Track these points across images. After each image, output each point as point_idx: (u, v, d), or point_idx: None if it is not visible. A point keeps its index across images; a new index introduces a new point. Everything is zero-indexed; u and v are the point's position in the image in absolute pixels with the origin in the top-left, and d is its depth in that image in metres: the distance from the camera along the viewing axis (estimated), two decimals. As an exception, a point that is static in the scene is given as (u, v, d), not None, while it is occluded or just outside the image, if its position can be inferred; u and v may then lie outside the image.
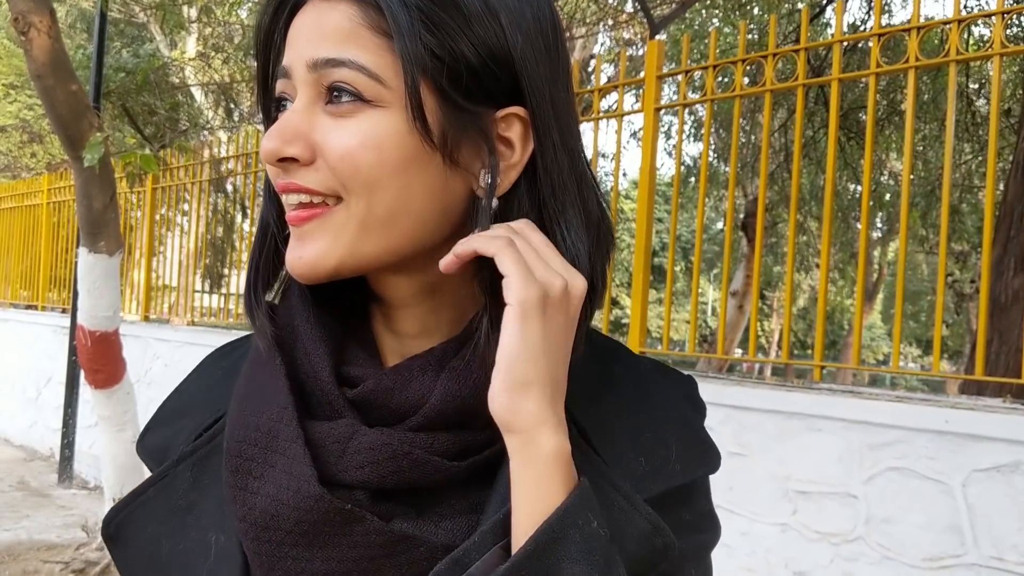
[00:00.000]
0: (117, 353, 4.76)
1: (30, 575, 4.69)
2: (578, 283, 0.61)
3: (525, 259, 0.59)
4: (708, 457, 0.71)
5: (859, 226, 11.80)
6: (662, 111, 3.90)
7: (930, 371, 3.15)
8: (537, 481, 0.58)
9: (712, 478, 0.74)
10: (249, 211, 6.56)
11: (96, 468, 7.22)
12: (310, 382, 0.66)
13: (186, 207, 7.35)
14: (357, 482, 0.62)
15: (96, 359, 4.64)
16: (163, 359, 6.84)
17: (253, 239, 0.72)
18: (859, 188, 9.36)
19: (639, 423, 0.69)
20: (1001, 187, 4.54)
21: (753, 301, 3.69)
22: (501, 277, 0.59)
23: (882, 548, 2.96)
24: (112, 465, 4.88)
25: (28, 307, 9.38)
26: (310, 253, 0.63)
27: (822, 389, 3.24)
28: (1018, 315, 2.82)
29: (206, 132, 8.60)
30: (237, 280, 7.18)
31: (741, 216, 10.04)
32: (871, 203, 10.47)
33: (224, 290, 7.47)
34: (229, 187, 7.26)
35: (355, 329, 0.70)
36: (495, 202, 0.64)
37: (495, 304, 0.61)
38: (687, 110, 4.21)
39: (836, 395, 3.16)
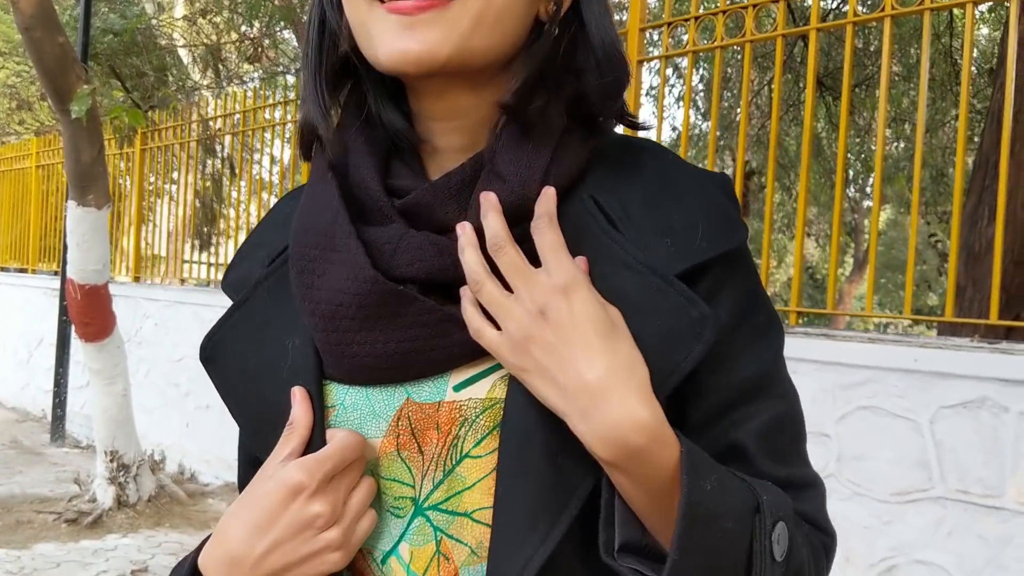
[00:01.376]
0: (107, 307, 4.81)
1: (24, 525, 4.77)
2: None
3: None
4: (733, 229, 0.71)
5: (849, 190, 11.87)
6: (643, 65, 3.94)
7: (902, 315, 3.21)
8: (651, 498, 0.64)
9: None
10: (238, 171, 6.59)
11: (88, 428, 7.30)
12: (361, 193, 0.72)
13: (175, 175, 7.37)
14: (407, 277, 0.68)
15: (86, 312, 4.70)
16: (153, 318, 6.89)
17: (308, 43, 0.75)
18: (846, 152, 9.42)
19: (667, 208, 0.71)
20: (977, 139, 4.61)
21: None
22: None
23: (853, 484, 3.05)
24: (103, 418, 4.95)
25: (19, 271, 9.41)
26: (422, 44, 0.65)
27: (797, 333, 3.32)
28: (991, 263, 2.89)
29: (194, 93, 8.60)
30: (226, 248, 7.22)
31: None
32: (860, 169, 10.51)
33: (213, 258, 7.51)
34: (218, 147, 7.28)
35: (400, 148, 0.75)
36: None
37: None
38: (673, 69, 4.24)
39: (811, 338, 3.24)
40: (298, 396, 0.70)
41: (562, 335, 0.63)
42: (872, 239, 3.26)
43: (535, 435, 0.65)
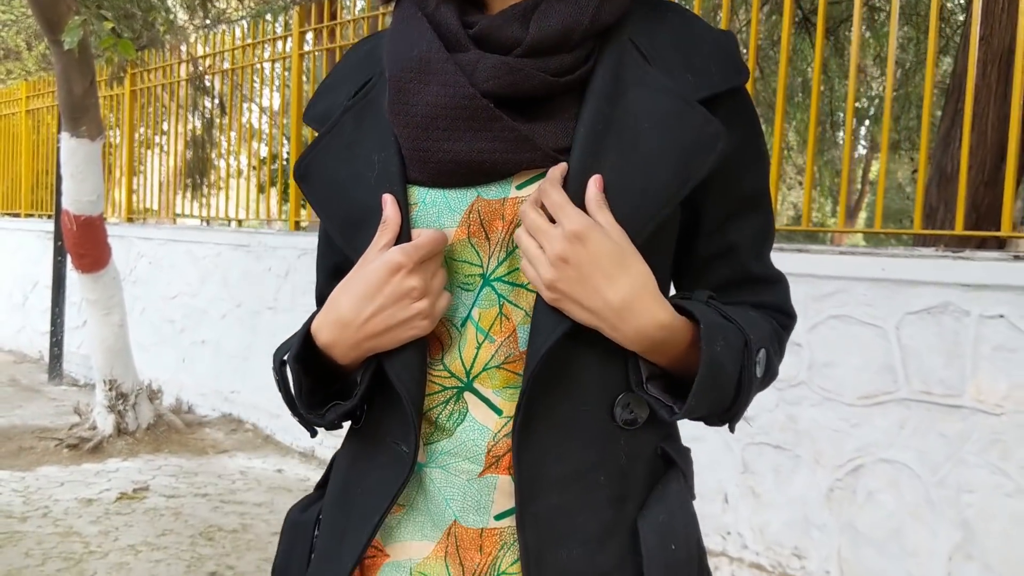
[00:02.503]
0: (102, 238, 4.90)
1: (26, 451, 4.91)
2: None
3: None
4: (739, 71, 0.89)
5: (841, 137, 11.92)
6: None
7: (871, 228, 3.33)
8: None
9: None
10: (227, 110, 6.63)
11: (85, 367, 7.42)
12: (442, 28, 0.86)
13: (165, 117, 7.41)
14: (486, 92, 0.83)
15: (82, 243, 4.79)
16: (147, 257, 6.98)
17: None
18: (841, 104, 9.46)
19: (688, 50, 0.88)
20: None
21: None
22: None
23: (823, 390, 3.19)
24: (101, 348, 5.07)
25: (11, 215, 9.46)
26: None
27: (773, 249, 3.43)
28: (964, 189, 3.00)
29: (183, 33, 8.59)
30: (218, 199, 7.29)
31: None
32: (853, 111, 10.57)
33: (205, 209, 7.56)
34: (208, 85, 7.31)
35: None
36: None
37: None
38: None
39: (785, 252, 3.36)
40: (388, 200, 0.86)
41: (583, 272, 0.79)
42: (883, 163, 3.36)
43: None
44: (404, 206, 0.86)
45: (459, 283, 0.87)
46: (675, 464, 0.92)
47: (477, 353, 0.86)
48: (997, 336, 2.81)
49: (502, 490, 0.86)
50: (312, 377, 0.89)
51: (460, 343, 0.87)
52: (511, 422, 0.83)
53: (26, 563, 3.30)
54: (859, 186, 19.77)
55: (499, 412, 0.86)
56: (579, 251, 0.78)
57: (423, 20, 0.87)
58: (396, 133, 0.87)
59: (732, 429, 0.94)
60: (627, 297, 0.80)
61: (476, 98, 0.82)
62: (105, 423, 5.04)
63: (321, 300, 1.00)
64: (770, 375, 0.92)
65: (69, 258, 6.91)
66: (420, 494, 0.89)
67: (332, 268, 1.00)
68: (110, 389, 5.05)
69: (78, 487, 4.28)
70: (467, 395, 0.87)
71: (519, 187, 0.85)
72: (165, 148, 7.41)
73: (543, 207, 0.81)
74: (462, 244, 0.87)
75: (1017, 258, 2.85)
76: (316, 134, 0.94)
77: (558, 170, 0.82)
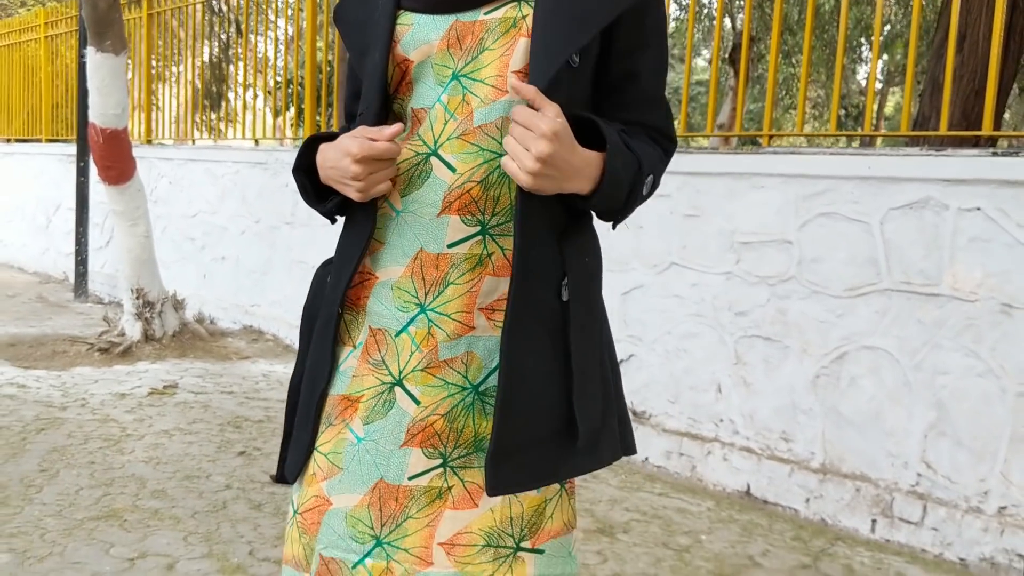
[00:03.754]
0: (127, 151, 5.10)
1: (59, 355, 5.18)
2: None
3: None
4: None
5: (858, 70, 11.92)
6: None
7: (861, 131, 3.49)
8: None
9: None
10: (243, 29, 6.76)
11: (109, 285, 7.69)
12: None
13: (182, 51, 7.54)
14: None
15: (108, 156, 4.99)
16: (167, 177, 7.18)
17: None
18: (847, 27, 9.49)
19: None
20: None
21: (737, 125, 3.98)
22: None
23: (811, 284, 3.39)
24: (128, 258, 5.30)
25: (33, 141, 9.65)
26: None
27: (767, 152, 3.60)
28: (953, 92, 3.15)
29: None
30: (235, 124, 7.44)
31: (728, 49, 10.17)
32: (864, 41, 10.57)
33: (220, 134, 7.71)
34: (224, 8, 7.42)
35: None
36: None
37: None
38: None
39: (779, 155, 3.53)
40: (387, 131, 1.14)
41: (558, 168, 1.09)
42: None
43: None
44: (392, 31, 1.18)
45: (435, 78, 1.18)
46: (589, 219, 1.26)
47: (444, 127, 1.16)
48: (973, 228, 2.99)
49: (453, 226, 1.16)
50: (317, 181, 1.26)
51: (432, 120, 1.17)
52: (461, 177, 1.15)
53: (69, 443, 3.56)
54: (873, 121, 19.67)
55: (454, 170, 1.16)
56: (556, 148, 1.06)
57: None
58: None
59: (615, 227, 1.29)
60: (580, 175, 1.12)
61: None
62: (133, 330, 5.30)
63: (345, 114, 1.36)
64: (654, 190, 1.24)
65: (94, 174, 7.14)
66: (395, 233, 1.20)
67: (353, 91, 1.30)
68: (137, 297, 5.29)
69: (111, 384, 4.55)
70: (433, 159, 1.17)
71: (487, 13, 1.15)
72: (179, 72, 7.55)
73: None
74: (442, 53, 1.17)
75: (995, 154, 3.01)
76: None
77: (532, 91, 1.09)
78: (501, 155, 1.13)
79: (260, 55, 7.20)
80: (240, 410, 4.21)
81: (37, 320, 6.41)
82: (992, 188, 2.96)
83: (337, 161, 1.16)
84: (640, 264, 3.90)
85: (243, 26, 6.82)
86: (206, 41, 7.42)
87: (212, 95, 8.19)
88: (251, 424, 3.99)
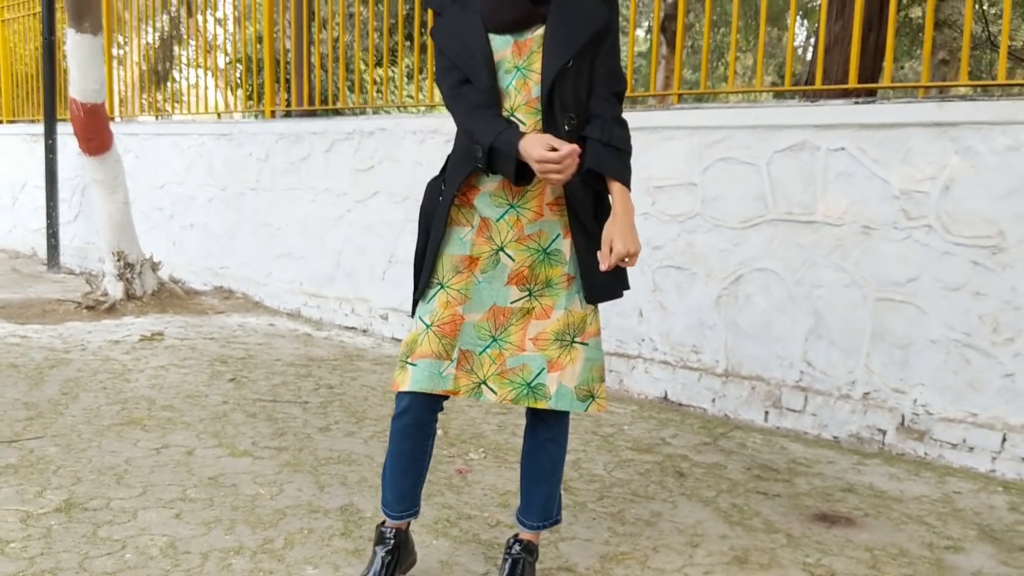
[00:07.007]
0: (105, 124, 5.57)
1: (49, 312, 5.65)
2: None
3: None
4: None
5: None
6: None
7: (781, 87, 4.13)
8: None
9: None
10: (192, 12, 7.20)
11: (79, 257, 8.11)
12: None
13: (135, 15, 7.92)
14: None
15: (88, 128, 5.46)
16: (134, 151, 7.61)
17: None
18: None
19: None
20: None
21: (674, 92, 4.57)
22: None
23: (713, 219, 4.02)
24: (108, 223, 5.77)
25: (-7, 122, 9.94)
26: None
27: (675, 108, 4.22)
28: (851, 32, 3.74)
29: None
30: (196, 97, 7.86)
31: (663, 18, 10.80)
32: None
33: (183, 107, 8.05)
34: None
35: None
36: None
37: None
38: None
39: (685, 110, 4.15)
40: (573, 148, 1.87)
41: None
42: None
43: None
44: (488, 46, 1.94)
45: (506, 70, 1.95)
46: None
47: (516, 99, 1.96)
48: (840, 164, 3.64)
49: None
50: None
51: (511, 96, 1.96)
52: (528, 131, 1.93)
53: (80, 375, 4.09)
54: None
55: (523, 123, 1.96)
56: (639, 248, 1.94)
57: None
58: (480, 11, 1.94)
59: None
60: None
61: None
62: (115, 289, 5.79)
63: (450, 94, 2.00)
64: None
65: (62, 150, 7.54)
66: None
67: (457, 80, 1.98)
68: (118, 260, 5.78)
69: (103, 333, 5.05)
70: (512, 118, 1.96)
71: (530, 34, 1.93)
72: (127, 48, 7.95)
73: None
74: (511, 58, 1.94)
75: (856, 103, 3.66)
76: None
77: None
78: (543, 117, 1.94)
79: (210, 34, 7.63)
80: (223, 351, 4.75)
81: (19, 288, 6.83)
82: (853, 131, 3.60)
83: (538, 158, 1.84)
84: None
85: (192, 6, 7.26)
86: (158, 20, 7.82)
87: (164, 73, 8.58)
88: (236, 360, 4.54)
